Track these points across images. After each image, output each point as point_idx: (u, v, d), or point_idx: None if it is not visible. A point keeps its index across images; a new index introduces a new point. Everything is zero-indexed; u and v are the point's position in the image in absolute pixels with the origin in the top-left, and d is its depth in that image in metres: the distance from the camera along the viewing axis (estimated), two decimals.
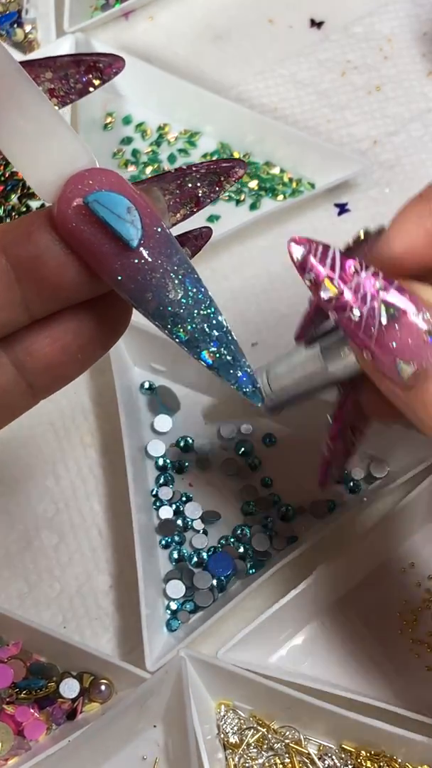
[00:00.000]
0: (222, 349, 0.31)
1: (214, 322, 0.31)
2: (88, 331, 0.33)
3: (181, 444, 0.67)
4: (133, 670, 0.58)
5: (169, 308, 0.30)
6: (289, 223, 0.76)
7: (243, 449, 0.66)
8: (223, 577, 0.62)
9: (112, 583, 0.64)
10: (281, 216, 0.76)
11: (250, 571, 0.63)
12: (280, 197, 0.77)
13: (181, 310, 0.30)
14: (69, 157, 0.30)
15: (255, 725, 0.59)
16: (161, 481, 0.66)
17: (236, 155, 0.78)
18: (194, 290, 0.30)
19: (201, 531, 0.64)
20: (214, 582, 0.62)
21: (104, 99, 0.81)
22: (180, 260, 0.30)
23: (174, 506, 0.65)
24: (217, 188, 0.34)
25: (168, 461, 0.66)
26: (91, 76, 0.35)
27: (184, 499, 0.65)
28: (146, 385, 0.69)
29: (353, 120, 0.80)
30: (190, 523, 0.64)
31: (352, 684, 0.60)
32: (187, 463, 0.66)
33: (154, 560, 0.63)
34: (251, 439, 0.67)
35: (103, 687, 0.59)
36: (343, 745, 0.58)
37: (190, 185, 0.34)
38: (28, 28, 0.81)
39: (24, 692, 0.59)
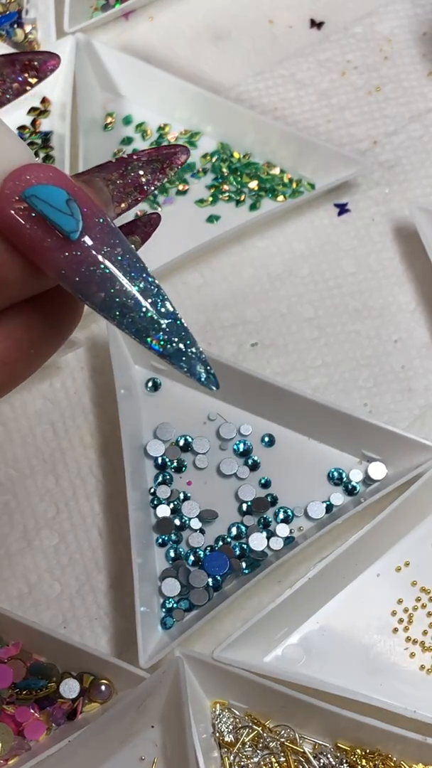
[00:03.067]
0: (172, 337, 0.30)
1: (162, 310, 0.30)
2: (38, 326, 0.32)
3: (181, 443, 0.67)
4: (132, 669, 0.58)
5: (116, 299, 0.30)
6: (288, 224, 0.76)
7: (241, 449, 0.67)
8: (218, 576, 0.63)
9: (112, 583, 0.65)
10: (281, 216, 0.76)
11: (246, 571, 0.63)
12: (280, 198, 0.77)
13: (128, 300, 0.30)
14: (6, 155, 0.29)
15: (250, 724, 0.59)
16: (159, 479, 0.66)
17: (236, 156, 0.78)
18: (140, 279, 0.30)
19: (198, 530, 0.65)
20: (210, 581, 0.63)
21: (104, 99, 0.81)
22: (124, 250, 0.30)
23: (172, 505, 0.66)
24: (161, 175, 0.33)
25: (167, 460, 0.67)
26: (27, 75, 0.34)
27: (181, 497, 0.66)
28: (150, 384, 0.69)
29: (353, 120, 0.80)
30: (187, 521, 0.65)
31: (347, 683, 0.60)
32: (185, 462, 0.67)
33: (150, 558, 0.64)
34: (250, 439, 0.67)
35: (103, 687, 0.60)
36: (338, 744, 0.59)
37: (132, 174, 0.33)
38: (28, 28, 0.81)
39: (24, 692, 0.59)
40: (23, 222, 0.29)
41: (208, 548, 0.64)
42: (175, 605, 0.63)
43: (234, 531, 0.65)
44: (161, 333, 0.30)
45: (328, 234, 0.76)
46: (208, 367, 0.31)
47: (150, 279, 0.30)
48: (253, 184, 0.77)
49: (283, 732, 0.59)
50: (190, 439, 0.67)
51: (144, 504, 0.65)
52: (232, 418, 0.68)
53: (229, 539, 0.65)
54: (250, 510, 0.65)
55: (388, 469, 0.66)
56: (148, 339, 0.30)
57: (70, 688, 0.60)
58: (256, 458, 0.67)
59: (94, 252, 0.29)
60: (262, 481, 0.66)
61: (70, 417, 0.70)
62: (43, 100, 0.79)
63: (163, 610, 0.63)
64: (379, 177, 0.78)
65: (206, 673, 0.59)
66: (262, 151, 0.78)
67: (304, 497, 0.66)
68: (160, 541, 0.65)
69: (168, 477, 0.66)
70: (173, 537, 0.65)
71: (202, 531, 0.65)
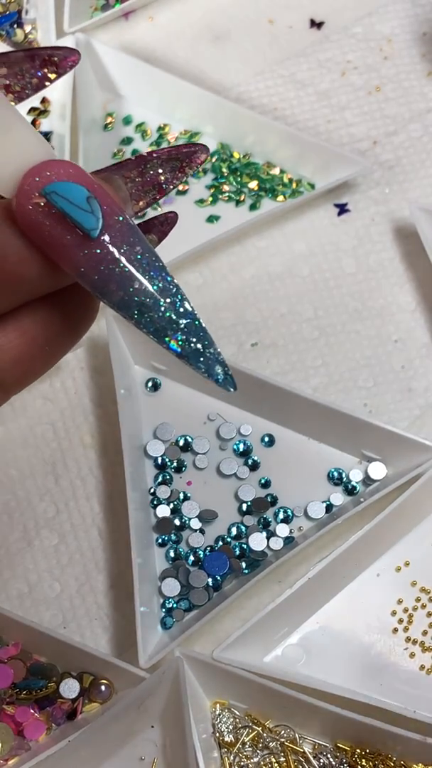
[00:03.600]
0: (191, 337, 0.30)
1: (181, 310, 0.30)
2: (55, 323, 0.32)
3: (180, 443, 0.67)
4: (132, 669, 0.58)
5: (135, 298, 0.30)
6: (288, 224, 0.76)
7: (241, 449, 0.67)
8: (218, 576, 0.63)
9: (112, 583, 0.65)
10: (281, 216, 0.76)
11: (246, 571, 0.63)
12: (280, 198, 0.77)
13: (147, 299, 0.30)
14: (26, 151, 0.30)
15: (250, 724, 0.59)
16: (159, 479, 0.66)
17: (236, 156, 0.78)
18: (159, 278, 0.30)
19: (198, 530, 0.65)
20: (210, 581, 0.63)
21: (104, 99, 0.81)
22: (143, 249, 0.30)
23: (172, 505, 0.66)
24: (180, 174, 0.33)
25: (167, 460, 0.67)
26: (46, 70, 0.35)
27: (181, 497, 0.66)
28: (150, 384, 0.69)
29: (353, 120, 0.80)
30: (187, 521, 0.65)
31: (347, 683, 0.60)
32: (185, 462, 0.67)
33: (150, 558, 0.64)
34: (250, 439, 0.67)
35: (103, 687, 0.60)
36: (338, 744, 0.59)
37: (151, 172, 0.33)
38: (28, 28, 0.81)
39: (24, 692, 0.59)
40: (42, 219, 0.29)
41: (208, 548, 0.64)
42: (175, 605, 0.63)
43: (234, 531, 0.65)
44: (179, 333, 0.30)
45: (328, 234, 0.76)
46: (226, 368, 0.31)
47: (169, 278, 0.30)
48: (253, 184, 0.77)
49: (283, 732, 0.59)
50: (190, 439, 0.67)
51: (144, 504, 0.65)
52: (231, 418, 0.68)
53: (229, 539, 0.65)
54: (250, 510, 0.65)
55: (388, 469, 0.66)
56: (167, 339, 0.30)
57: (70, 688, 0.60)
58: (256, 458, 0.67)
59: (113, 250, 0.29)
60: (262, 481, 0.66)
61: (70, 417, 0.70)
62: (43, 100, 0.79)
63: (163, 610, 0.63)
64: (379, 177, 0.78)
65: (206, 673, 0.59)
66: (262, 151, 0.78)
67: (304, 497, 0.66)
68: (160, 541, 0.65)
69: (168, 477, 0.66)
70: (173, 537, 0.65)
71: (202, 531, 0.65)
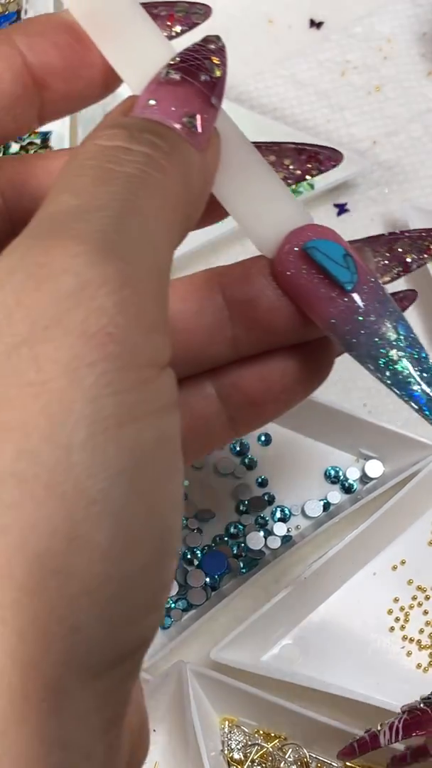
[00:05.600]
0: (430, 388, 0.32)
1: (426, 365, 0.32)
2: (293, 373, 0.34)
3: None
4: None
5: (382, 350, 0.31)
6: None
7: (238, 448, 0.67)
8: (216, 576, 0.63)
9: None
10: None
11: (243, 570, 0.63)
12: None
13: (393, 352, 0.31)
14: (290, 219, 0.32)
15: (259, 741, 0.59)
16: None
17: None
18: (406, 334, 0.31)
19: (195, 529, 0.65)
20: (207, 580, 0.63)
21: (104, 100, 0.81)
22: (393, 308, 0.32)
23: None
24: (425, 255, 0.36)
25: None
26: (309, 165, 0.37)
27: None
28: None
29: (353, 120, 0.80)
30: (184, 521, 0.65)
31: (344, 682, 0.60)
32: None
33: None
34: (247, 438, 0.67)
35: None
36: (348, 763, 0.59)
37: (399, 250, 0.35)
38: None
39: None
40: (300, 272, 0.31)
41: (206, 548, 0.64)
42: (173, 605, 0.62)
43: (231, 530, 0.64)
44: (422, 385, 0.31)
45: None
46: None
47: (414, 336, 0.32)
48: None
49: (290, 751, 0.59)
50: None
51: None
52: None
53: (226, 538, 0.64)
54: (248, 509, 0.65)
55: (385, 466, 0.66)
56: (408, 390, 0.31)
57: None
58: (252, 457, 0.67)
59: (365, 304, 0.31)
60: (259, 480, 0.66)
61: None
62: None
63: None
64: (378, 177, 0.78)
65: (213, 689, 0.59)
66: None
67: (301, 496, 0.66)
68: None
69: None
70: None
71: (199, 530, 0.65)
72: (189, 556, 0.64)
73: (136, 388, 0.22)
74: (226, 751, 0.59)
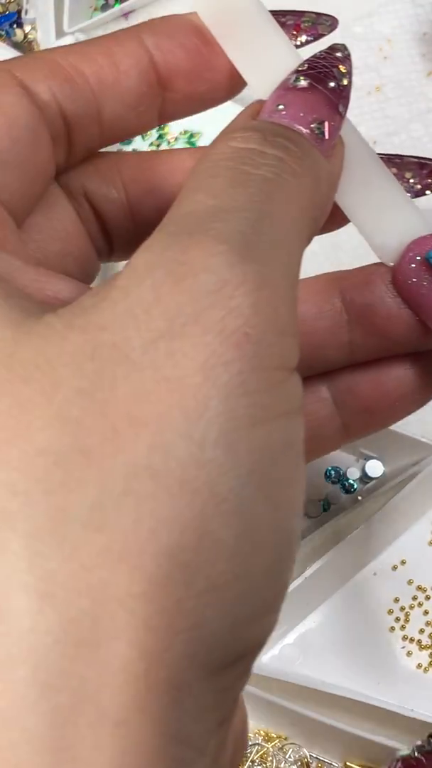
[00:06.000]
0: None
1: None
2: (410, 383, 0.34)
3: None
4: None
5: None
6: None
7: None
8: None
9: None
10: None
11: None
12: None
13: None
14: (413, 228, 0.32)
15: (259, 741, 0.59)
16: None
17: None
18: None
19: None
20: None
21: None
22: None
23: None
24: None
25: None
26: (430, 181, 0.36)
27: None
28: None
29: (353, 120, 0.79)
30: None
31: (344, 682, 0.60)
32: None
33: None
34: None
35: None
36: (348, 764, 0.59)
37: None
38: (27, 28, 0.81)
39: None
40: (421, 281, 0.31)
41: None
42: None
43: None
44: None
45: (328, 234, 0.76)
46: None
47: None
48: None
49: (291, 751, 0.59)
50: None
51: None
52: None
53: None
54: None
55: (386, 466, 0.66)
56: None
57: None
58: None
59: None
60: None
61: None
62: None
63: None
64: None
65: None
66: None
67: None
68: None
69: None
70: None
71: None
72: None
73: (267, 390, 0.22)
74: None
